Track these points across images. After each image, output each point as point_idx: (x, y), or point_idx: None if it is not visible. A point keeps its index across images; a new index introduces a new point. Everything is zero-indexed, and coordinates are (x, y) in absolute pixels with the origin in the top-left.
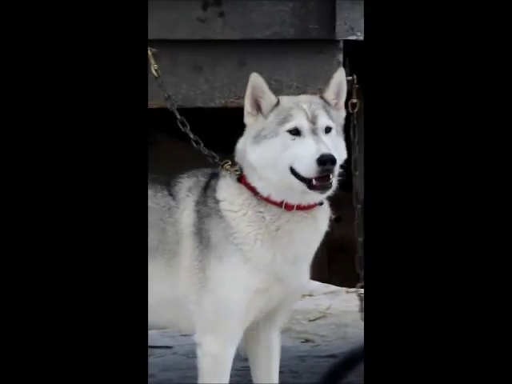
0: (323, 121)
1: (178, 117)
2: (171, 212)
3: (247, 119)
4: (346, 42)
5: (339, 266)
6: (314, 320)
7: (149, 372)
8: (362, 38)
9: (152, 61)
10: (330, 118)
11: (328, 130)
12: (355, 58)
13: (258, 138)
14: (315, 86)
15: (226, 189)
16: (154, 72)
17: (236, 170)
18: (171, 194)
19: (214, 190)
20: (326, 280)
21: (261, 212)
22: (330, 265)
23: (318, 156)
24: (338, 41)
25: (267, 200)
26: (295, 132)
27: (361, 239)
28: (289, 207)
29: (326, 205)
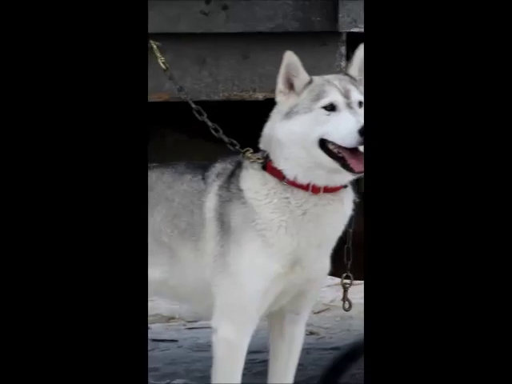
0: (356, 95)
1: (194, 106)
2: (200, 195)
3: (279, 97)
4: (350, 34)
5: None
6: (318, 312)
7: (154, 365)
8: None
9: (158, 54)
10: (360, 92)
11: (360, 104)
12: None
13: (290, 114)
14: None
15: (250, 179)
16: (162, 65)
17: (258, 158)
18: (203, 178)
19: (238, 180)
20: (331, 272)
21: (287, 198)
22: (335, 257)
23: (359, 127)
24: (341, 33)
25: (293, 184)
26: (330, 108)
27: (351, 230)
28: (315, 190)
29: (350, 188)
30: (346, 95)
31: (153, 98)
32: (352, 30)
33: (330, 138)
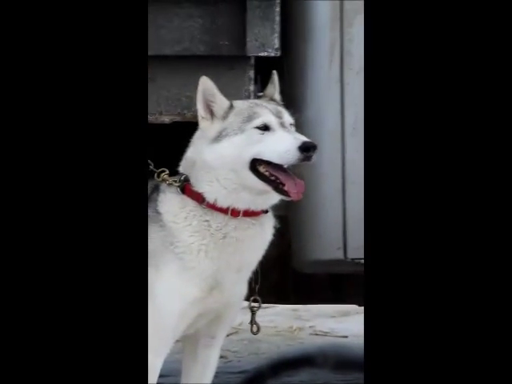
0: (287, 117)
1: None
2: None
3: (202, 123)
4: (257, 58)
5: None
6: (226, 336)
7: None
8: (272, 54)
9: None
10: (291, 115)
11: (291, 126)
12: (266, 74)
13: (219, 138)
14: None
15: (168, 202)
16: None
17: (175, 181)
18: None
19: (156, 203)
20: None
21: (207, 221)
22: None
23: (299, 143)
24: (249, 57)
25: (213, 207)
26: (264, 128)
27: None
28: (235, 213)
29: (270, 213)
30: (278, 115)
31: None
32: (260, 54)
33: (264, 157)
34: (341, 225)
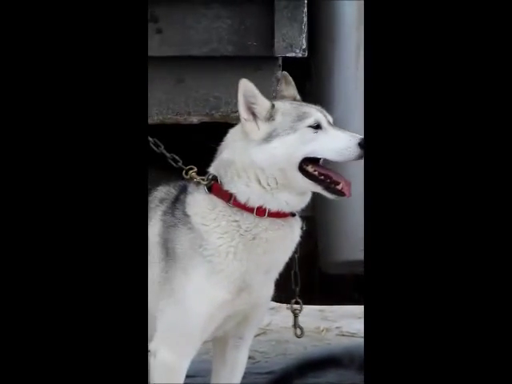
0: (329, 115)
1: None
2: None
3: (246, 126)
4: (285, 58)
5: (280, 281)
6: (254, 337)
7: None
8: (300, 55)
9: None
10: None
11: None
12: (294, 74)
13: (269, 138)
14: None
15: (197, 204)
16: None
17: (203, 179)
18: None
19: (183, 205)
20: None
21: (236, 221)
22: None
23: (358, 140)
24: (277, 58)
25: (240, 205)
26: (316, 126)
27: (297, 255)
28: (261, 212)
29: (297, 215)
30: (324, 115)
31: None
32: (287, 55)
33: (320, 155)
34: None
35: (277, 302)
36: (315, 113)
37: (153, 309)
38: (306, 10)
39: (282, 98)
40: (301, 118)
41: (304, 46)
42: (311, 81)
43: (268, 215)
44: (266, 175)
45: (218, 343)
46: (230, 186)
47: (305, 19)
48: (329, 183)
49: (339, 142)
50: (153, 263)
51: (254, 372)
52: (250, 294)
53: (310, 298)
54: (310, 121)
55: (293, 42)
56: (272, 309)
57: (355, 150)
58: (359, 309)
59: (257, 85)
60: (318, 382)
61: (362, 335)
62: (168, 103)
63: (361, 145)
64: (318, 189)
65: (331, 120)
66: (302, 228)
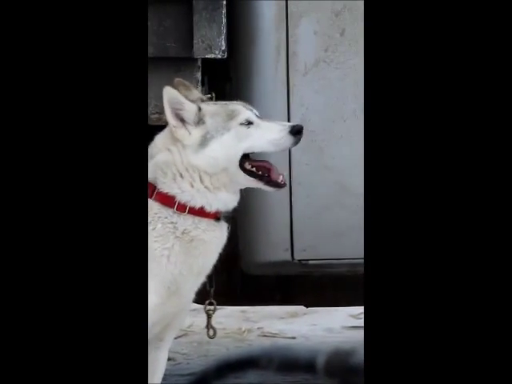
0: (254, 109)
1: None
2: None
3: (178, 133)
4: (205, 60)
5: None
6: (175, 338)
7: None
8: (219, 56)
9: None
10: None
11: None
12: (213, 76)
13: (205, 142)
14: None
15: None
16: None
17: None
18: None
19: None
20: None
21: (172, 223)
22: None
23: (289, 128)
24: (196, 59)
25: (183, 209)
26: (248, 122)
27: None
28: (203, 214)
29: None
30: (249, 108)
31: None
32: (207, 56)
33: (257, 150)
34: (288, 226)
35: (198, 303)
36: (243, 109)
37: None
38: (225, 11)
39: (192, 102)
40: (231, 116)
41: (223, 48)
42: (231, 82)
43: (207, 216)
44: (210, 176)
45: None
46: (171, 186)
47: (224, 20)
48: (268, 177)
49: (271, 134)
50: None
51: (175, 374)
52: (180, 298)
53: (231, 299)
54: (241, 118)
55: (212, 43)
56: (194, 310)
57: (289, 138)
58: (281, 309)
59: None
60: (240, 382)
61: (284, 335)
62: None
63: (292, 132)
64: (260, 184)
65: (257, 112)
66: (228, 228)
